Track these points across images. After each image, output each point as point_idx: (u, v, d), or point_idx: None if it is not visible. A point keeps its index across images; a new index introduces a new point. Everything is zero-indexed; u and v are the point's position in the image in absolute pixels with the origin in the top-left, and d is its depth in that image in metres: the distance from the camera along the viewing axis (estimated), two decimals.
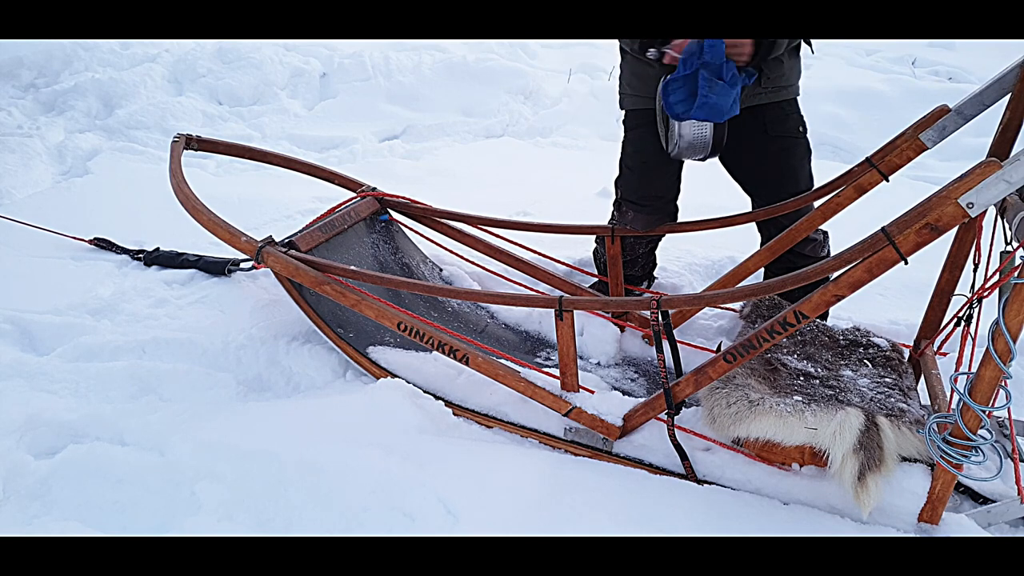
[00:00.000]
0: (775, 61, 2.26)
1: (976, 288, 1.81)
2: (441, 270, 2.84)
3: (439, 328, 2.13)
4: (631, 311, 2.57)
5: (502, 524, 1.62)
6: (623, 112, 2.50)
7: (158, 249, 2.94)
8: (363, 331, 2.32)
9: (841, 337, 2.17)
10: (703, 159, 2.22)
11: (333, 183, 2.88)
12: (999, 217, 1.69)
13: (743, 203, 2.53)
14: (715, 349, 2.23)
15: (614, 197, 2.60)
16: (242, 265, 2.85)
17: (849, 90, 5.63)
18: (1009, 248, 1.64)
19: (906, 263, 1.58)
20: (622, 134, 2.53)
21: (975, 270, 1.82)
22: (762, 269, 2.45)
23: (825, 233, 2.48)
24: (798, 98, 2.37)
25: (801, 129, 2.38)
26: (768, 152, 2.36)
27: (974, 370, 1.56)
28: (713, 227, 2.48)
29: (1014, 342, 1.48)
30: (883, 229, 1.58)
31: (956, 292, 2.09)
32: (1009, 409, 1.68)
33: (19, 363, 2.25)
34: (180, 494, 1.76)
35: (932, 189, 1.59)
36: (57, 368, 2.24)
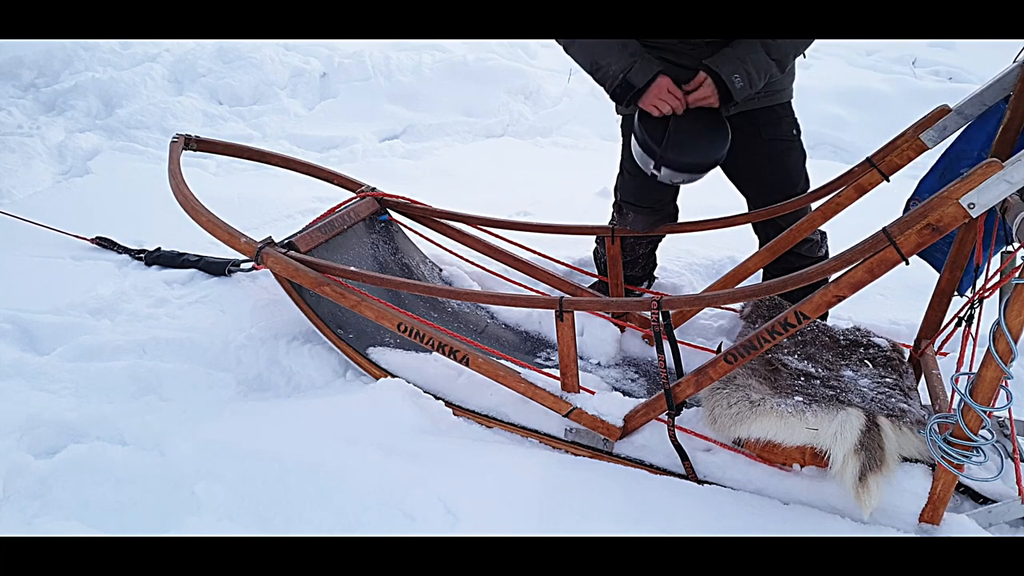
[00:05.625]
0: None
1: (977, 288, 1.80)
2: (441, 270, 2.83)
3: (439, 329, 2.12)
4: (631, 312, 2.57)
5: (502, 524, 1.62)
6: (620, 117, 2.50)
7: (159, 249, 2.94)
8: (363, 332, 2.32)
9: (842, 337, 2.17)
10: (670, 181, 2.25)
11: (333, 183, 2.87)
12: (1000, 217, 1.69)
13: (744, 204, 2.53)
14: (716, 349, 2.23)
15: (614, 198, 2.60)
16: (242, 266, 2.84)
17: (849, 90, 5.63)
18: (1010, 248, 1.64)
19: (907, 263, 1.58)
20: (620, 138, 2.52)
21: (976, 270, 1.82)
22: (762, 270, 2.45)
23: (823, 233, 2.48)
24: (791, 102, 2.37)
25: (795, 132, 2.37)
26: (763, 156, 2.35)
27: (975, 370, 1.56)
28: (713, 227, 2.48)
29: (1015, 342, 1.47)
30: (884, 229, 1.57)
31: (956, 292, 2.09)
32: (1010, 409, 1.68)
33: (19, 363, 2.25)
34: (180, 494, 1.76)
35: None
36: (57, 368, 2.24)
